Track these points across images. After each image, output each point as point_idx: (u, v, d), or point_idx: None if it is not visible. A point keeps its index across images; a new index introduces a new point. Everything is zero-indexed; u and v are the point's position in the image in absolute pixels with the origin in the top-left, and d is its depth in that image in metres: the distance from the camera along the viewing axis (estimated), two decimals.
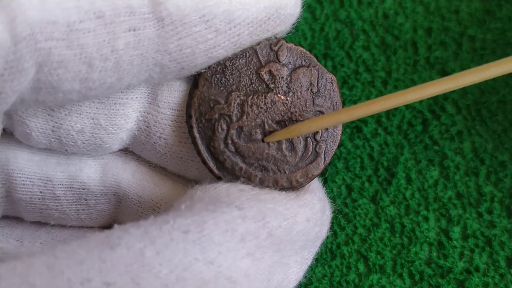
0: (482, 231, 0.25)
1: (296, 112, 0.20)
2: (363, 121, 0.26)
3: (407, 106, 0.26)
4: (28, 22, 0.15)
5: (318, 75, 0.20)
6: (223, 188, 0.18)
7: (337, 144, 0.21)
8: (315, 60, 0.21)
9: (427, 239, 0.25)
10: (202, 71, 0.20)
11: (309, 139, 0.20)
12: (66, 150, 0.21)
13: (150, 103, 0.21)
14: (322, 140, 0.20)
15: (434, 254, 0.25)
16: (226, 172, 0.20)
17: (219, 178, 0.20)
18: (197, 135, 0.20)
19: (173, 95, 0.21)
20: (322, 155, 0.20)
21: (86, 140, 0.20)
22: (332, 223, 0.24)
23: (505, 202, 0.25)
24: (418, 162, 0.26)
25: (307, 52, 0.21)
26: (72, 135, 0.20)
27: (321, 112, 0.20)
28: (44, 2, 0.15)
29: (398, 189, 0.26)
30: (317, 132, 0.20)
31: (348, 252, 0.25)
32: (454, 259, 0.25)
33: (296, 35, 0.28)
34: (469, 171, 0.25)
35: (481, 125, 0.26)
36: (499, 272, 0.24)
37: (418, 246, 0.25)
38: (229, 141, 0.20)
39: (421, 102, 0.26)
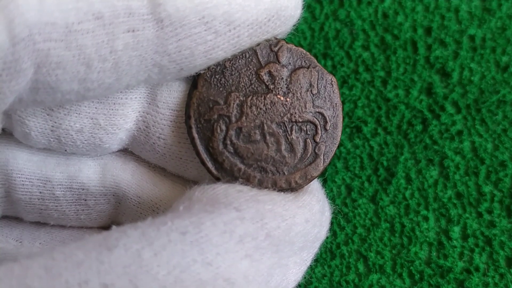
0: (482, 230, 0.25)
1: (295, 113, 0.20)
2: (363, 120, 0.26)
3: (407, 106, 0.26)
4: (27, 23, 0.15)
5: (318, 76, 0.20)
6: (222, 189, 0.18)
7: (337, 145, 0.20)
8: (315, 61, 0.20)
9: (427, 239, 0.25)
10: (202, 71, 0.19)
11: (308, 140, 0.20)
12: (65, 150, 0.21)
13: (149, 103, 0.20)
14: (322, 141, 0.20)
15: (434, 254, 0.25)
16: (225, 173, 0.20)
17: (217, 179, 0.20)
18: (195, 135, 0.20)
19: (172, 95, 0.20)
20: (322, 157, 0.20)
21: (85, 140, 0.20)
22: (331, 223, 0.24)
23: (505, 201, 0.25)
24: (418, 161, 0.26)
25: (307, 53, 0.20)
26: (71, 135, 0.20)
27: (321, 114, 0.20)
28: (43, 3, 0.15)
29: (398, 189, 0.25)
30: (317, 133, 0.20)
31: (347, 252, 0.25)
32: (454, 259, 0.24)
33: (295, 34, 0.28)
34: (469, 171, 0.25)
35: (481, 124, 0.26)
36: (499, 272, 0.24)
37: (418, 246, 0.25)
38: (228, 142, 0.20)
39: (421, 101, 0.26)
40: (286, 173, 0.20)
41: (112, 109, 0.20)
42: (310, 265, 0.21)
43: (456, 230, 0.25)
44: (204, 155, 0.20)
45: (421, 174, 0.25)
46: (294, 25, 0.20)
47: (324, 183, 0.26)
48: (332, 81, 0.20)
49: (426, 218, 0.25)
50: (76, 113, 0.20)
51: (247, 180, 0.19)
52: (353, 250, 0.25)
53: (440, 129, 0.26)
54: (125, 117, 0.20)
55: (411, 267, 0.25)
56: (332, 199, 0.26)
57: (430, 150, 0.26)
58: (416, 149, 0.26)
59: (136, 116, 0.20)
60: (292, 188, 0.20)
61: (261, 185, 0.20)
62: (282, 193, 0.19)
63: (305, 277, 0.21)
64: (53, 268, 0.15)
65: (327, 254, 0.25)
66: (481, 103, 0.26)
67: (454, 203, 0.25)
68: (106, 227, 0.23)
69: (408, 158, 0.26)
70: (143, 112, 0.20)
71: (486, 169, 0.25)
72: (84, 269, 0.15)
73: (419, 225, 0.25)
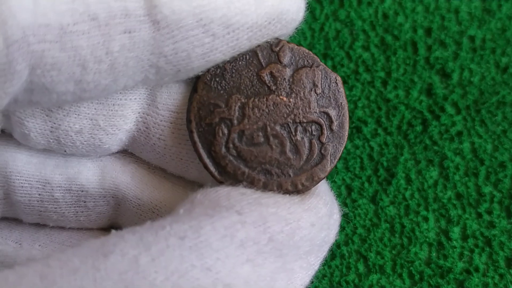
0: (481, 231, 0.24)
1: (299, 113, 0.19)
2: (363, 121, 0.25)
3: (407, 106, 0.25)
4: (20, 25, 0.14)
5: (322, 75, 0.19)
6: (224, 192, 0.17)
7: (344, 145, 0.19)
8: (319, 60, 0.19)
9: (427, 240, 0.24)
10: (202, 74, 0.18)
11: (313, 141, 0.19)
12: (65, 151, 0.20)
13: (149, 105, 0.20)
14: (328, 142, 0.19)
15: (434, 254, 0.24)
16: (228, 177, 0.19)
17: (221, 183, 0.19)
18: (197, 140, 0.19)
19: (172, 97, 0.20)
20: (328, 157, 0.19)
21: (85, 141, 0.20)
22: None
23: (505, 202, 0.24)
24: (418, 162, 0.25)
25: (310, 52, 0.19)
26: (71, 136, 0.19)
27: (326, 113, 0.19)
28: (37, 4, 0.14)
29: (397, 189, 0.25)
30: (322, 133, 0.19)
31: (348, 252, 0.24)
32: (454, 259, 0.24)
33: (295, 35, 0.27)
34: (469, 172, 0.24)
35: (480, 125, 0.25)
36: (498, 273, 0.23)
37: (418, 246, 0.24)
38: (231, 145, 0.19)
39: (420, 102, 0.25)
40: (291, 175, 0.19)
41: (112, 110, 0.19)
42: None
43: (456, 231, 0.24)
44: (207, 160, 0.19)
45: (421, 175, 0.25)
46: (296, 28, 0.19)
47: None
48: (336, 80, 0.19)
49: (426, 219, 0.24)
50: (76, 114, 0.19)
51: (252, 184, 0.18)
52: (353, 250, 0.24)
53: (440, 130, 0.25)
54: (124, 118, 0.19)
55: (411, 268, 0.24)
56: None
57: (430, 150, 0.25)
58: (416, 150, 0.25)
59: (136, 117, 0.20)
60: (298, 190, 0.19)
61: (266, 188, 0.18)
62: (288, 195, 0.18)
63: None
64: (48, 276, 0.14)
65: (327, 254, 0.24)
66: (480, 104, 0.25)
67: (454, 203, 0.24)
68: (106, 229, 0.22)
69: (408, 159, 0.25)
70: (143, 114, 0.20)
71: (485, 170, 0.24)
72: (79, 276, 0.14)
73: (419, 226, 0.24)
